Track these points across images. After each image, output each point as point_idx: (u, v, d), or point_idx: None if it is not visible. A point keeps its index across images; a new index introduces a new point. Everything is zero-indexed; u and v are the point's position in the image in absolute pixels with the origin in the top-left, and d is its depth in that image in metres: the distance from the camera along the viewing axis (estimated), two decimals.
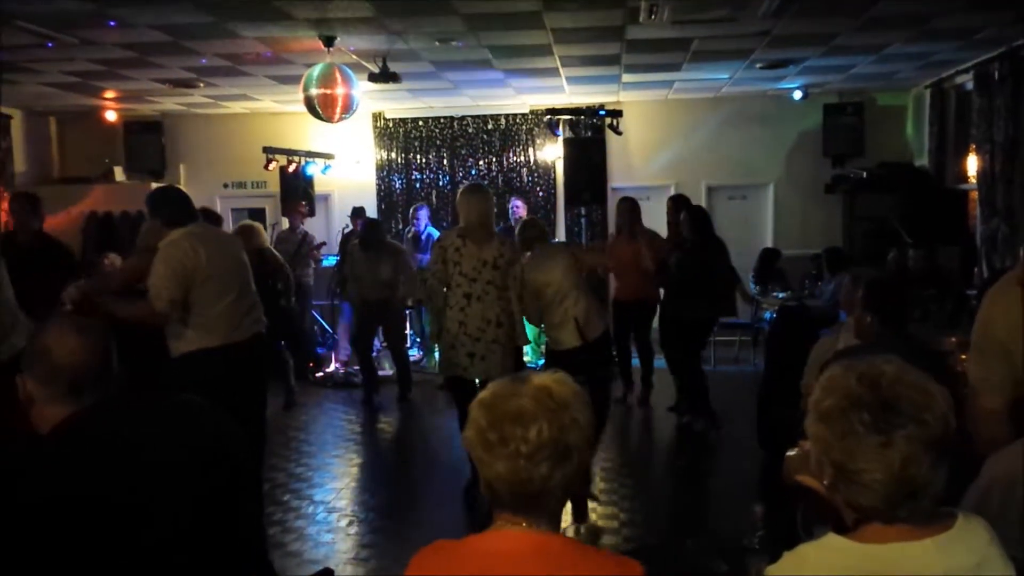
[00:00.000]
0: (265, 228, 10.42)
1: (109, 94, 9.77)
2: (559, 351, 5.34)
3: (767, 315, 8.83)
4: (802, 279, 9.11)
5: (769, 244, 10.41)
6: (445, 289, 5.13)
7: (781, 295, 8.67)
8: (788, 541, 2.72)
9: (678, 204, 7.44)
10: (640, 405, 7.59)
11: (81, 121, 11.18)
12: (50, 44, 7.11)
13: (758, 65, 8.84)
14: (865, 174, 10.10)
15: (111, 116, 10.93)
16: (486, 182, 11.25)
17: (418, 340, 9.63)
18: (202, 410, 2.14)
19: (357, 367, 8.88)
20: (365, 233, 8.13)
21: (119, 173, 10.84)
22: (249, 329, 4.43)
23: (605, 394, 5.46)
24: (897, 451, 1.41)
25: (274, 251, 7.96)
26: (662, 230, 7.68)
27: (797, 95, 10.40)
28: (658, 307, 7.51)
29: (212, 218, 7.03)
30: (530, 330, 9.12)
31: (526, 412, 1.59)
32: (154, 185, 10.70)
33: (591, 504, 5.06)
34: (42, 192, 10.12)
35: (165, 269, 4.15)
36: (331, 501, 5.49)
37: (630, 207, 7.56)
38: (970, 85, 8.86)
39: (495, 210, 5.27)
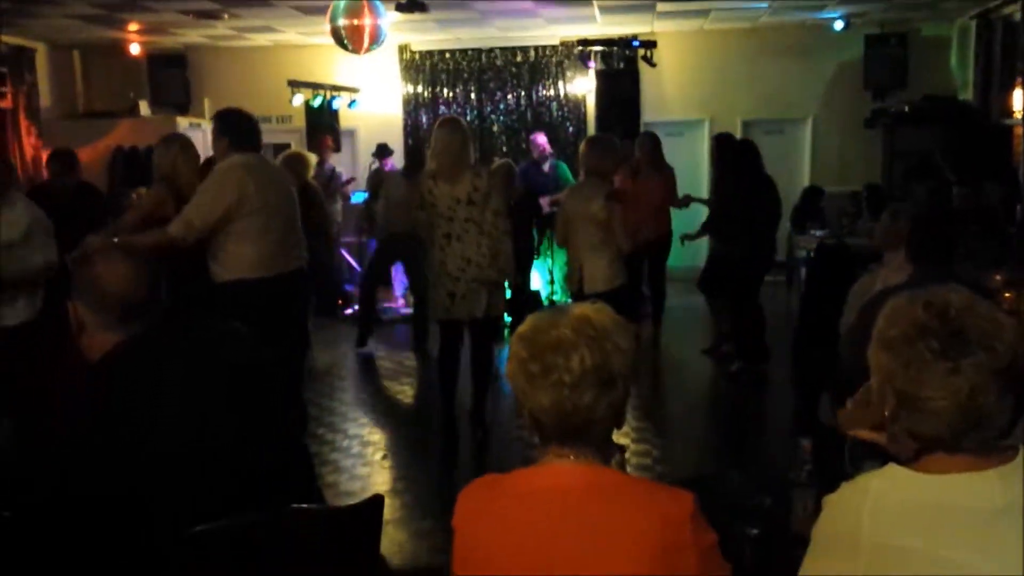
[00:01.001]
0: None
1: (133, 26, 9.63)
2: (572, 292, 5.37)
3: (802, 254, 8.66)
4: (840, 216, 8.90)
5: (806, 181, 10.19)
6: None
7: (819, 233, 8.47)
8: (836, 475, 2.63)
9: (723, 144, 7.22)
10: (653, 345, 7.46)
11: (105, 55, 11.06)
12: None
13: None
14: (907, 108, 9.79)
15: (135, 49, 10.80)
16: (514, 117, 11.08)
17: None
18: (245, 338, 2.13)
19: (386, 304, 8.84)
20: (410, 158, 7.95)
21: (144, 107, 10.74)
22: (290, 264, 4.45)
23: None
24: (965, 379, 1.37)
25: (316, 186, 7.83)
26: (695, 167, 7.52)
27: (838, 25, 10.05)
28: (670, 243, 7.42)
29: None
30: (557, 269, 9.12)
31: (566, 341, 1.56)
32: (179, 119, 10.67)
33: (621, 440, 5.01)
34: (67, 127, 10.19)
35: (206, 197, 4.21)
36: (365, 435, 5.50)
37: (654, 143, 7.38)
38: (1018, 16, 8.50)
39: (469, 142, 5.00)
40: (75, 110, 11.16)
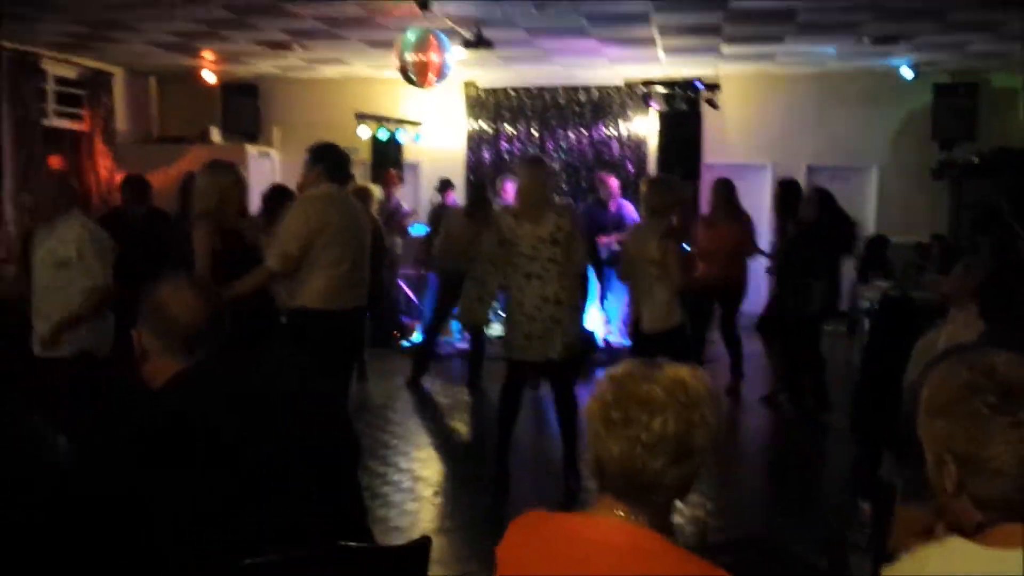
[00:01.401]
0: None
1: (208, 55, 9.91)
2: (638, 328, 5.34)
3: (864, 304, 8.50)
4: (905, 268, 8.72)
5: (871, 229, 10.00)
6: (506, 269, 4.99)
7: (883, 284, 8.31)
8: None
9: (785, 190, 7.16)
10: (727, 394, 7.36)
11: (180, 81, 11.39)
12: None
13: (866, 40, 8.46)
14: (976, 159, 9.61)
15: (209, 77, 11.09)
16: (575, 155, 11.11)
17: (500, 314, 9.52)
18: (310, 370, 2.16)
19: (442, 339, 8.89)
20: (474, 195, 8.01)
21: (215, 134, 11.02)
22: (353, 300, 4.49)
23: None
24: None
25: (377, 219, 7.93)
26: (756, 211, 7.45)
27: (907, 73, 9.93)
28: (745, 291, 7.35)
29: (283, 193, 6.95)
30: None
31: (656, 399, 1.52)
32: (248, 147, 10.92)
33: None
34: (141, 151, 10.48)
35: (296, 223, 4.31)
36: (416, 469, 5.50)
37: (729, 188, 7.32)
38: None
39: (553, 183, 5.06)
40: (149, 135, 11.50)
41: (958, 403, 1.39)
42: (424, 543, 2.08)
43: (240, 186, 4.58)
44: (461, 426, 6.69)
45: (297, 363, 2.24)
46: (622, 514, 1.55)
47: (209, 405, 2.00)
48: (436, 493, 5.12)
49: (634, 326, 5.33)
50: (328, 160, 4.50)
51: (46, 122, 9.56)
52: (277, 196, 6.27)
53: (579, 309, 5.04)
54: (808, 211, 6.64)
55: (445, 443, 6.26)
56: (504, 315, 5.17)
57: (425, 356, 7.88)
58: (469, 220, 7.69)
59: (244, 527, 1.93)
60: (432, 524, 4.62)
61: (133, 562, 1.89)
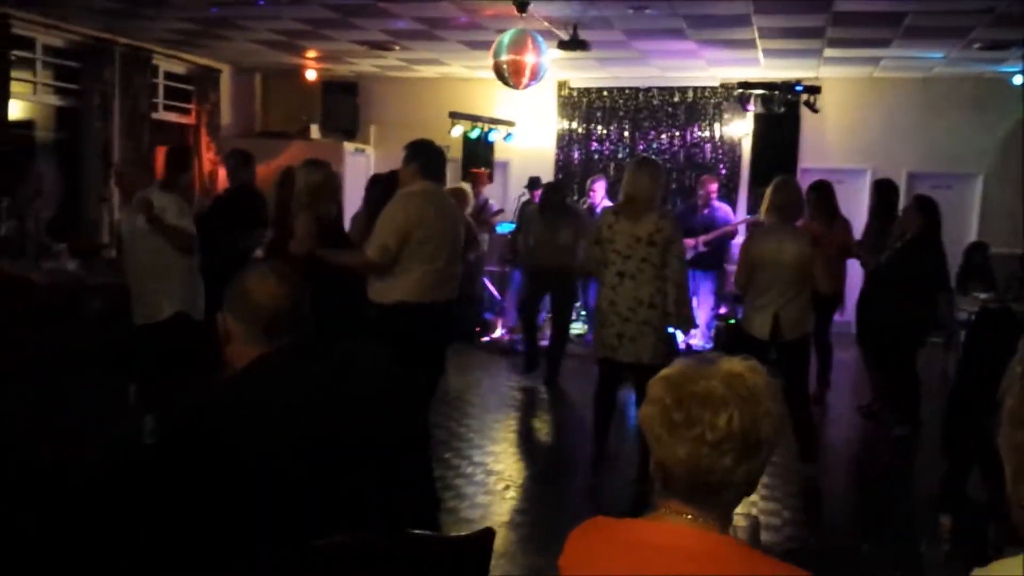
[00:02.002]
0: None
1: (310, 53, 10.21)
2: (744, 332, 5.18)
3: (962, 316, 8.19)
4: (1008, 279, 8.37)
5: (973, 238, 9.62)
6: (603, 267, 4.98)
7: (983, 295, 8.00)
8: (976, 558, 2.48)
9: (884, 190, 6.94)
10: (815, 403, 7.19)
11: (284, 79, 11.75)
12: (261, 2, 7.48)
13: (976, 45, 8.15)
14: None
15: (311, 75, 11.42)
16: (667, 157, 11.01)
17: (583, 313, 9.54)
18: (386, 361, 2.22)
19: (520, 335, 8.96)
20: (546, 196, 8.06)
21: (315, 131, 11.31)
22: (445, 294, 4.57)
23: (795, 397, 5.09)
24: None
25: (470, 220, 8.05)
26: (855, 217, 7.25)
27: (1018, 80, 9.50)
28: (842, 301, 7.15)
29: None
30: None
31: (716, 395, 1.47)
32: (346, 144, 11.18)
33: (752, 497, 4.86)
34: (244, 145, 10.73)
35: (395, 218, 4.41)
36: (489, 463, 5.55)
37: (828, 190, 7.14)
38: None
39: (662, 185, 4.99)
40: (252, 130, 11.89)
41: None
42: (487, 535, 2.10)
43: (332, 182, 4.98)
44: (537, 423, 6.72)
45: (374, 354, 2.31)
46: (690, 517, 1.51)
47: (283, 391, 2.08)
48: (507, 487, 5.15)
49: (771, 333, 5.12)
50: (422, 158, 4.59)
51: (155, 115, 9.99)
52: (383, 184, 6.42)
53: (678, 316, 4.99)
54: (910, 222, 6.41)
55: (520, 439, 6.30)
56: (595, 314, 5.17)
57: (535, 347, 7.97)
58: (542, 219, 7.76)
59: (310, 510, 1.99)
60: (502, 518, 4.65)
61: (206, 539, 1.97)
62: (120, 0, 7.63)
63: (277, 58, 10.56)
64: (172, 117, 10.52)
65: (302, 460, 2.00)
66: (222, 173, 10.23)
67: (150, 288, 5.13)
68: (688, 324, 5.25)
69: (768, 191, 5.29)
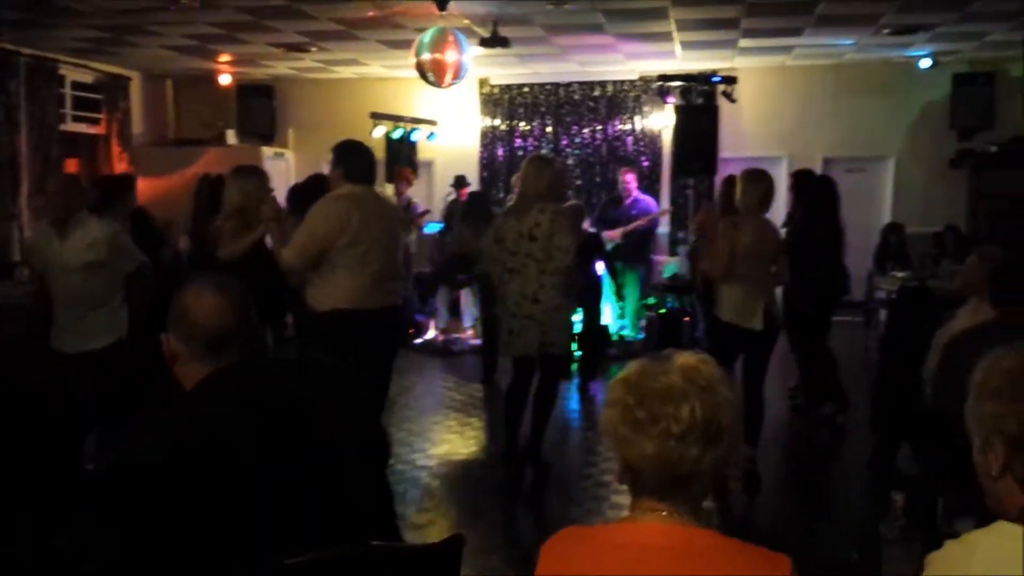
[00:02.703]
0: None
1: (224, 58, 9.98)
2: (724, 322, 5.15)
3: (881, 295, 8.46)
4: (923, 258, 8.68)
5: (888, 220, 9.94)
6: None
7: (901, 274, 8.27)
8: (930, 532, 2.55)
9: (801, 180, 7.10)
10: None
11: (196, 84, 11.46)
12: (172, 8, 7.27)
13: (885, 31, 8.42)
14: (994, 149, 9.53)
15: (225, 80, 11.17)
16: (590, 151, 11.10)
17: None
18: (342, 374, 2.15)
19: (455, 335, 8.93)
20: (470, 205, 8.03)
21: (231, 136, 11.08)
22: (385, 299, 4.48)
23: (757, 383, 5.21)
24: None
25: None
26: (773, 204, 7.37)
27: (925, 63, 9.87)
28: None
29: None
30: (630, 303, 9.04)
31: (676, 389, 1.51)
32: (264, 149, 10.98)
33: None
34: (157, 153, 10.56)
35: (316, 222, 4.30)
36: (433, 467, 5.50)
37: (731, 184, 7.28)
38: None
39: (552, 180, 4.93)
40: (165, 137, 11.57)
41: (1010, 384, 1.41)
42: (457, 540, 2.08)
43: (263, 190, 4.78)
44: (477, 423, 6.69)
45: (326, 365, 2.24)
46: (665, 514, 1.53)
47: (235, 411, 1.99)
48: (452, 490, 5.13)
49: (764, 321, 5.08)
50: (347, 160, 4.49)
51: (63, 127, 9.64)
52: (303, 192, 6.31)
53: (563, 308, 4.99)
54: (811, 202, 6.56)
55: (461, 440, 6.27)
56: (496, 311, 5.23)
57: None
58: (465, 224, 7.74)
59: (274, 530, 1.93)
60: (449, 521, 4.63)
61: (158, 565, 1.90)
62: (23, 10, 7.32)
63: (189, 63, 10.29)
64: (82, 128, 10.16)
65: (258, 479, 1.93)
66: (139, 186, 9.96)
67: (86, 316, 4.73)
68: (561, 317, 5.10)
69: (742, 182, 5.24)
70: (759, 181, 5.18)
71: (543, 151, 11.15)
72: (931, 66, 9.89)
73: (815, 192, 6.59)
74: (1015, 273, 3.57)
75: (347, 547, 1.88)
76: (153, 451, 1.94)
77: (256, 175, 4.85)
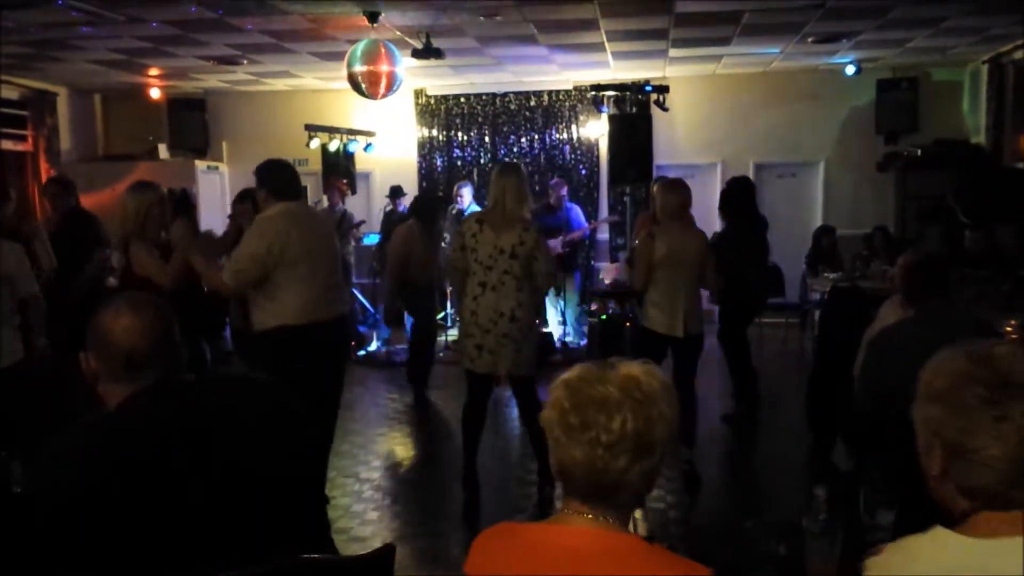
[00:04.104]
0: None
1: (153, 71, 9.81)
2: (648, 329, 5.21)
3: (815, 296, 8.66)
4: (853, 259, 8.90)
5: (819, 223, 10.18)
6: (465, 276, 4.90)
7: (832, 276, 8.47)
8: (852, 524, 2.61)
9: (728, 189, 7.26)
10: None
11: (126, 99, 11.26)
12: (86, 29, 7.12)
13: (810, 39, 8.62)
14: (919, 152, 9.83)
15: (155, 94, 10.99)
16: (527, 160, 11.16)
17: (458, 320, 9.56)
18: (265, 389, 2.13)
19: (398, 346, 8.89)
20: (418, 210, 7.90)
21: (163, 151, 10.90)
22: (333, 310, 4.43)
23: (688, 387, 5.26)
24: (1014, 426, 1.35)
25: None
26: (708, 210, 7.54)
27: (850, 70, 10.14)
28: None
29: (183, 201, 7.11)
30: (569, 311, 9.11)
31: (611, 400, 1.51)
32: (197, 162, 10.83)
33: None
34: (87, 170, 10.34)
35: (254, 247, 4.21)
36: (377, 479, 5.47)
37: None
38: None
39: (527, 192, 4.88)
40: (95, 153, 11.34)
41: (952, 391, 1.41)
42: (388, 551, 2.07)
43: (163, 205, 4.70)
44: (421, 435, 6.68)
45: (252, 381, 2.22)
46: (590, 517, 1.54)
47: (153, 433, 1.96)
48: (396, 501, 5.11)
49: (683, 329, 5.14)
50: (270, 180, 4.40)
51: None
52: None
53: (535, 328, 5.01)
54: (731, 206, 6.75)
55: (405, 452, 6.25)
56: (459, 324, 5.06)
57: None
58: (411, 235, 7.60)
59: (197, 549, 1.91)
60: (394, 533, 4.61)
61: None
62: None
63: (117, 78, 10.10)
64: (7, 145, 9.88)
65: (178, 498, 1.90)
66: None
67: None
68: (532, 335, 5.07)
69: (660, 192, 5.29)
70: (676, 190, 5.24)
71: (481, 160, 11.21)
72: (856, 72, 10.16)
73: (734, 195, 6.77)
74: (924, 271, 3.70)
75: (273, 561, 1.87)
76: (63, 476, 1.90)
77: (152, 190, 4.72)
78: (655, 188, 5.39)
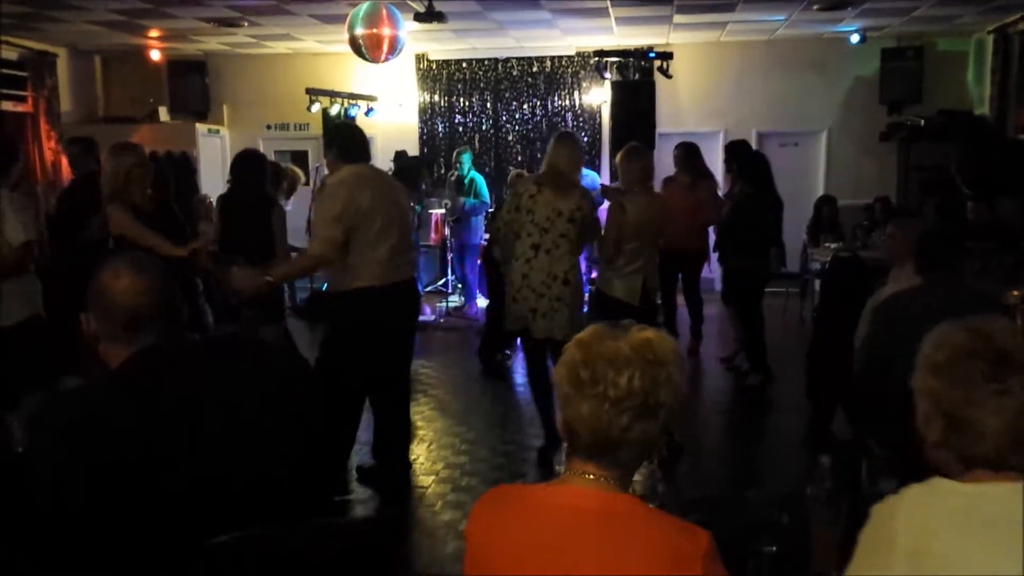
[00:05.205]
0: (307, 171, 10.44)
1: (153, 33, 9.73)
2: (611, 296, 5.18)
3: (815, 266, 8.67)
4: (854, 229, 8.90)
5: (821, 193, 10.16)
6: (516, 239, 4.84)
7: (833, 246, 8.47)
8: (855, 492, 2.64)
9: (733, 152, 7.24)
10: (690, 355, 7.48)
11: (126, 60, 11.18)
12: None
13: (815, 7, 8.55)
14: (923, 122, 9.79)
15: (155, 56, 10.91)
16: (530, 126, 11.12)
17: (459, 286, 9.58)
18: (270, 351, 2.13)
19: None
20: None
21: (163, 113, 10.84)
22: (404, 272, 4.45)
23: None
24: (1013, 399, 1.43)
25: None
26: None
27: (854, 38, 10.07)
28: (707, 256, 7.48)
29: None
30: None
31: (622, 356, 1.54)
32: (198, 125, 10.76)
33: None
34: (87, 131, 10.19)
35: (330, 209, 4.21)
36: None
37: (687, 153, 7.38)
38: None
39: (581, 160, 4.92)
40: (95, 115, 11.26)
41: (953, 364, 1.48)
42: (397, 514, 2.10)
43: (145, 166, 4.74)
44: (429, 399, 6.70)
45: (255, 344, 2.22)
46: (591, 476, 1.56)
47: (155, 394, 1.96)
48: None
49: (641, 296, 5.08)
50: (338, 142, 4.41)
51: None
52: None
53: (582, 293, 5.04)
54: (748, 176, 6.76)
55: (429, 425, 6.27)
56: (507, 286, 4.96)
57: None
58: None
59: (202, 511, 1.91)
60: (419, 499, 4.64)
61: (87, 548, 1.88)
62: None
63: (118, 39, 10.01)
64: (8, 106, 9.81)
65: (179, 461, 1.90)
66: (67, 163, 9.68)
67: None
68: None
69: (624, 159, 5.19)
70: (638, 156, 5.17)
71: (483, 127, 11.17)
72: (860, 41, 10.09)
73: (754, 167, 6.74)
74: (937, 242, 3.72)
75: (276, 525, 1.88)
76: (62, 446, 1.90)
77: (133, 151, 4.76)
78: (618, 156, 5.33)
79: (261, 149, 9.88)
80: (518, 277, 4.82)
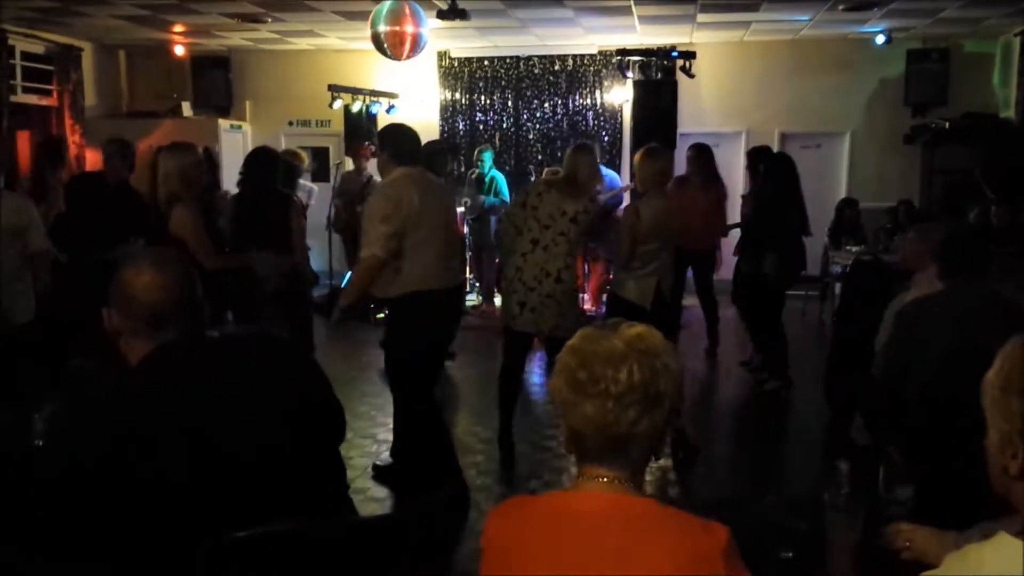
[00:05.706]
0: (329, 168, 10.47)
1: (178, 28, 9.79)
2: (623, 299, 5.15)
3: (836, 269, 8.60)
4: (877, 232, 8.83)
5: (843, 195, 10.08)
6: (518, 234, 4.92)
7: (855, 249, 8.41)
8: (872, 499, 2.62)
9: (756, 157, 7.19)
10: (707, 358, 7.46)
11: (150, 55, 11.26)
12: None
13: (841, 7, 8.48)
14: (947, 125, 9.69)
15: (179, 51, 10.98)
16: (551, 125, 11.10)
17: (476, 284, 9.57)
18: (288, 348, 2.14)
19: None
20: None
21: (186, 108, 10.91)
22: (451, 279, 4.49)
23: None
24: None
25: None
26: (731, 179, 7.50)
27: (879, 39, 9.98)
28: (718, 258, 7.49)
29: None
30: None
31: (617, 352, 1.54)
32: (220, 121, 10.82)
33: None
34: (111, 126, 10.34)
35: (382, 210, 4.22)
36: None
37: (706, 154, 7.35)
38: None
39: (599, 171, 5.03)
40: (119, 109, 11.36)
41: None
42: (415, 513, 2.09)
43: (201, 166, 4.78)
44: (438, 394, 6.70)
45: (274, 340, 2.21)
46: (605, 480, 1.56)
47: (177, 389, 1.96)
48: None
49: (654, 299, 5.04)
50: (391, 144, 4.40)
51: (14, 98, 9.41)
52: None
53: (576, 292, 5.08)
54: (772, 179, 6.70)
55: None
56: (502, 280, 5.07)
57: None
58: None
59: (221, 506, 1.92)
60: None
61: (106, 542, 1.89)
62: None
63: (142, 34, 10.09)
64: (33, 100, 9.93)
65: (202, 458, 1.91)
66: (90, 157, 9.77)
67: (8, 291, 4.56)
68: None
69: (643, 161, 5.11)
70: (656, 158, 5.10)
71: (504, 125, 11.16)
72: (886, 42, 10.00)
73: (780, 170, 6.68)
74: (963, 246, 3.68)
75: (295, 522, 1.89)
76: (85, 443, 1.91)
77: (190, 151, 4.74)
78: (636, 157, 5.29)
79: (283, 145, 9.93)
80: (512, 271, 4.92)
